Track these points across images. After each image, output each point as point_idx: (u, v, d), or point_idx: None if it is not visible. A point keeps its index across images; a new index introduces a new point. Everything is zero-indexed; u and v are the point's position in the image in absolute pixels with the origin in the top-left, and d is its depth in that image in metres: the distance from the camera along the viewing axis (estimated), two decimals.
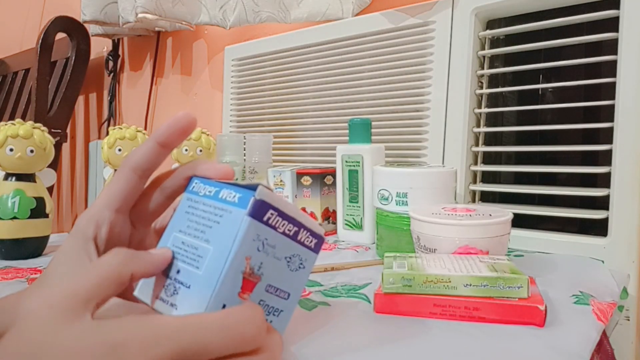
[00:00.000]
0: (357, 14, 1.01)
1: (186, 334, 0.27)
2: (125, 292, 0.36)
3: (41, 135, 0.71)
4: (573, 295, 0.50)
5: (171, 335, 0.27)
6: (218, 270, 0.30)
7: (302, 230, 0.34)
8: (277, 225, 0.33)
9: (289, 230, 0.33)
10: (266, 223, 0.32)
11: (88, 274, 0.29)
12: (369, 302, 0.49)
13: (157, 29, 1.47)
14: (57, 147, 1.41)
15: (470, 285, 0.43)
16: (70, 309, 0.27)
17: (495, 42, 0.86)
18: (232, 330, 0.28)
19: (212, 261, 0.31)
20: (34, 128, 0.71)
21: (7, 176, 0.70)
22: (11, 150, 0.68)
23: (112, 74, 1.70)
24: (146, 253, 0.32)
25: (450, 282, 0.43)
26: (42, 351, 0.25)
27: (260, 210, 0.31)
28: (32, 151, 0.69)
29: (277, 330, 0.34)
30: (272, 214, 0.32)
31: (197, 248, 0.32)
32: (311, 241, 0.35)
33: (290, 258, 0.34)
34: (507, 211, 0.55)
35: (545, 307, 0.41)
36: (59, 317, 0.26)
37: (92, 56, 1.64)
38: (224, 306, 0.30)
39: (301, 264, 0.35)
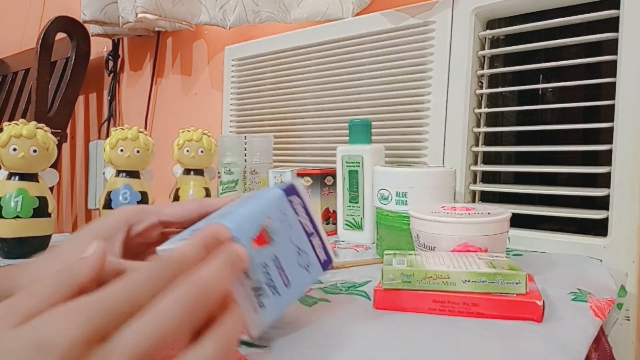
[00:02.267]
0: (357, 14, 1.02)
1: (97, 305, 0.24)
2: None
3: (44, 135, 0.71)
4: (571, 292, 0.51)
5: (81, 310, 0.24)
6: (248, 210, 0.36)
7: (316, 237, 0.39)
8: (298, 212, 0.38)
9: (306, 225, 0.39)
10: (290, 203, 0.38)
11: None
12: (369, 299, 0.49)
13: (157, 29, 1.47)
14: (57, 147, 1.41)
15: (469, 281, 0.43)
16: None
17: (495, 42, 0.86)
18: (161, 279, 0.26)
19: (246, 209, 0.36)
20: (37, 128, 0.71)
21: (10, 175, 0.70)
22: (14, 150, 0.68)
23: (112, 74, 1.70)
24: None
25: (449, 278, 0.43)
26: None
27: (289, 190, 0.38)
28: (35, 151, 0.69)
29: (268, 311, 0.35)
30: (297, 200, 0.38)
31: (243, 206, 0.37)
32: (321, 253, 0.40)
33: (300, 250, 0.38)
34: (506, 210, 0.55)
35: (543, 302, 0.42)
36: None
37: (92, 56, 1.64)
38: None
39: (308, 265, 0.38)
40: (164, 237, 0.44)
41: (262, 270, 0.34)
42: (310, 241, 0.39)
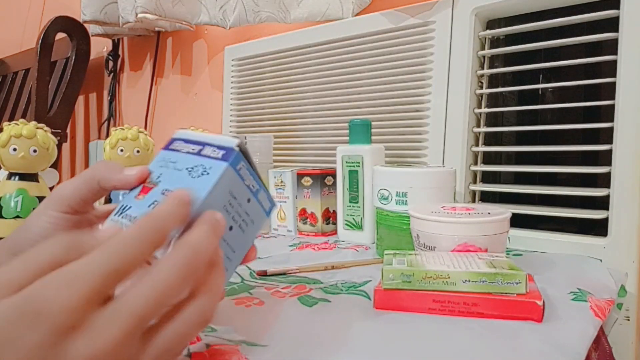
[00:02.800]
0: (357, 14, 1.01)
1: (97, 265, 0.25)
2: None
3: (44, 135, 0.71)
4: (571, 292, 0.51)
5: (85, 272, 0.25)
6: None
7: (261, 190, 0.40)
8: (245, 178, 0.38)
9: (252, 186, 0.39)
10: (170, 149, 0.40)
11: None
12: (369, 298, 0.49)
13: (157, 29, 1.47)
14: (57, 147, 1.41)
15: (469, 281, 0.43)
16: None
17: (495, 42, 0.86)
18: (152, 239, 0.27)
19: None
20: (37, 128, 0.71)
21: (10, 175, 0.70)
22: (14, 150, 0.68)
23: (112, 74, 1.70)
24: None
25: (449, 278, 0.43)
26: None
27: (235, 161, 0.37)
28: (35, 151, 0.69)
29: (228, 275, 0.36)
30: (243, 164, 0.38)
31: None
32: (266, 203, 0.41)
33: (192, 168, 0.38)
34: (506, 210, 0.55)
35: (543, 302, 0.42)
36: None
37: (92, 56, 1.64)
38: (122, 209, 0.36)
39: (205, 171, 0.37)
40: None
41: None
42: (258, 200, 0.39)
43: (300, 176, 0.85)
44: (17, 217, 0.68)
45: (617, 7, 0.69)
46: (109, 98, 1.71)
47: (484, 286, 0.43)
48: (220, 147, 0.38)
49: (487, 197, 0.85)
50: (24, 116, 1.63)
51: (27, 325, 0.23)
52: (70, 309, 0.23)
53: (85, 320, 0.24)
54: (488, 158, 0.86)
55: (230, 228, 0.37)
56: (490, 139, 0.85)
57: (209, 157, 0.38)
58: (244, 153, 0.39)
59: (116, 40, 1.67)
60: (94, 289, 0.24)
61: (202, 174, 0.37)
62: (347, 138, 0.80)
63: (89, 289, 0.24)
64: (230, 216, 0.37)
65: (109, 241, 0.26)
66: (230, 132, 1.25)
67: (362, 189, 0.77)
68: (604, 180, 0.71)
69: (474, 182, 0.85)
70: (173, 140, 0.41)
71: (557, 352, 0.37)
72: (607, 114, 0.71)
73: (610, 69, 0.71)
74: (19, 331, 0.23)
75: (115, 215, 0.36)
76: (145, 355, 0.26)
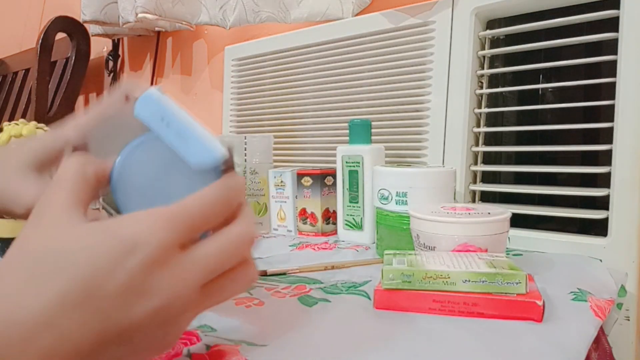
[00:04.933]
0: (357, 14, 1.02)
1: (190, 212, 0.29)
2: None
3: None
4: (571, 292, 0.51)
5: (175, 217, 0.28)
6: None
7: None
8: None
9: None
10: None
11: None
12: (369, 298, 0.49)
13: (157, 28, 1.47)
14: None
15: (469, 281, 0.43)
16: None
17: (495, 42, 0.86)
18: (227, 197, 0.31)
19: None
20: (37, 128, 0.71)
21: None
22: None
23: (112, 74, 1.70)
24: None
25: (449, 278, 0.43)
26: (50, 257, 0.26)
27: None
28: None
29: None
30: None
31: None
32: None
33: None
34: (506, 209, 0.55)
35: (543, 302, 0.42)
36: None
37: (92, 56, 1.64)
38: None
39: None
40: None
41: None
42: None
43: (300, 176, 0.85)
44: None
45: (617, 7, 0.69)
46: None
47: (484, 286, 0.43)
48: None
49: (487, 197, 0.85)
50: (24, 116, 1.63)
51: (125, 252, 0.26)
52: (163, 247, 0.27)
53: (172, 260, 0.27)
54: (488, 158, 0.86)
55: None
56: (490, 139, 0.85)
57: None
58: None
59: (116, 40, 1.67)
60: (184, 233, 0.28)
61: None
62: (347, 138, 0.80)
63: (180, 232, 0.28)
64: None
65: (200, 196, 0.29)
66: (231, 132, 1.25)
67: (362, 189, 0.77)
68: (604, 180, 0.71)
69: (474, 182, 0.85)
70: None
71: (557, 352, 0.37)
72: (607, 114, 0.71)
73: (610, 69, 0.71)
74: (117, 257, 0.26)
75: None
76: (201, 302, 0.30)
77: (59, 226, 0.27)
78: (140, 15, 1.13)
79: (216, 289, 0.30)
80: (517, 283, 0.42)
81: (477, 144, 0.85)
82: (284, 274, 0.59)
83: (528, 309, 0.42)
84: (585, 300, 0.48)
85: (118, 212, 0.33)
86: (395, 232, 0.66)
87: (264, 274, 0.58)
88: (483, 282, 0.43)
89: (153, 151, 0.33)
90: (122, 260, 0.26)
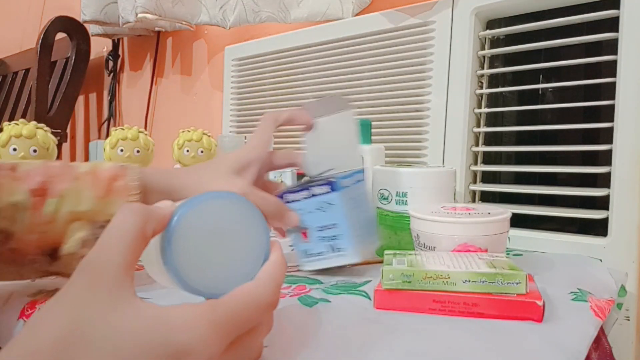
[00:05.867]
0: (357, 14, 1.02)
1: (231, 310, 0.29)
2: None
3: (44, 135, 0.71)
4: (571, 292, 0.51)
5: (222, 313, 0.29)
6: None
7: (311, 189, 0.53)
8: (294, 199, 0.55)
9: (304, 196, 0.54)
10: (287, 201, 0.55)
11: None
12: (369, 299, 0.49)
13: (157, 28, 1.47)
14: (58, 147, 1.41)
15: (469, 281, 0.43)
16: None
17: (495, 42, 0.86)
18: (272, 293, 0.32)
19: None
20: (37, 128, 0.71)
21: None
22: (14, 150, 0.68)
23: (112, 74, 1.70)
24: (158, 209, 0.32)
25: (449, 278, 0.43)
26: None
27: (282, 197, 0.55)
28: (35, 151, 0.69)
29: (345, 245, 0.54)
30: (287, 195, 0.55)
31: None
32: (323, 188, 0.53)
33: (319, 207, 0.53)
34: (506, 210, 0.55)
35: (543, 302, 0.42)
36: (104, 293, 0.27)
37: (92, 56, 1.64)
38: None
39: (329, 204, 0.53)
40: None
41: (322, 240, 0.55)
42: (314, 195, 0.54)
43: (300, 176, 0.85)
44: None
45: (617, 7, 0.69)
46: (109, 98, 1.72)
47: (484, 286, 0.43)
48: (323, 184, 0.53)
49: (487, 197, 0.85)
50: (24, 116, 1.63)
51: (176, 355, 0.26)
52: (213, 355, 0.27)
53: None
54: (488, 158, 0.86)
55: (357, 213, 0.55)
56: (490, 139, 0.86)
57: (321, 194, 0.53)
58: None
59: (116, 40, 1.67)
60: (231, 338, 0.29)
61: (329, 207, 0.53)
62: None
63: (229, 339, 0.29)
64: (359, 207, 0.56)
65: (251, 298, 0.31)
66: (231, 132, 1.25)
67: None
68: (604, 180, 0.71)
69: (474, 182, 0.85)
70: (282, 195, 0.55)
71: (558, 352, 0.37)
72: (607, 114, 0.71)
73: (610, 69, 0.71)
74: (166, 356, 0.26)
75: (303, 259, 0.57)
76: None
77: (113, 296, 0.26)
78: (140, 15, 1.13)
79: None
80: (517, 283, 0.42)
81: (477, 144, 0.85)
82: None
83: (528, 309, 0.41)
84: (586, 300, 0.48)
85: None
86: (395, 232, 0.66)
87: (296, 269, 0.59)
88: (483, 282, 0.42)
89: (220, 211, 0.33)
90: (214, 340, 0.27)
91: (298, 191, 0.54)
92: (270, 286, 0.32)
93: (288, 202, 0.55)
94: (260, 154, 0.54)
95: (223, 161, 0.53)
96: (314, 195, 0.53)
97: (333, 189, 0.52)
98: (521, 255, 0.69)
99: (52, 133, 0.75)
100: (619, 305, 0.65)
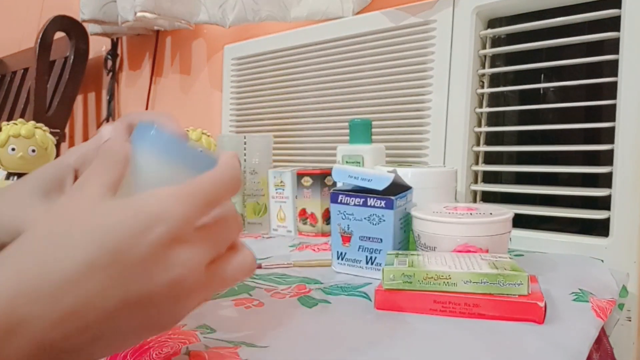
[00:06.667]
0: (358, 13, 1.01)
1: (199, 188, 0.31)
2: None
3: (43, 135, 0.71)
4: (572, 292, 0.50)
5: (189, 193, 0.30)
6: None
7: (369, 199, 0.55)
8: (347, 202, 0.57)
9: (357, 202, 0.56)
10: (339, 203, 0.57)
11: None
12: (370, 299, 0.48)
13: (156, 27, 1.47)
14: (56, 146, 1.41)
15: (470, 282, 0.42)
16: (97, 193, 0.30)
17: (496, 42, 0.86)
18: (234, 175, 0.33)
19: None
20: (35, 128, 0.70)
21: (9, 175, 0.70)
22: (13, 149, 0.68)
23: (111, 73, 1.70)
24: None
25: (450, 278, 0.43)
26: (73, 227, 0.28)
27: (334, 197, 0.58)
28: (33, 151, 0.69)
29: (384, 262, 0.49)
30: (342, 197, 0.57)
31: None
32: (380, 203, 0.55)
33: (369, 217, 0.55)
34: (508, 210, 0.55)
35: (545, 304, 0.41)
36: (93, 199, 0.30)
37: (90, 55, 1.64)
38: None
39: (381, 219, 0.55)
40: None
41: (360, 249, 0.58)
42: (369, 205, 0.56)
43: (300, 176, 0.84)
44: None
45: (619, 6, 0.69)
46: (107, 97, 1.71)
47: (485, 287, 0.42)
48: (380, 199, 0.54)
49: (488, 197, 0.84)
50: (22, 116, 1.63)
51: (149, 226, 0.28)
52: (183, 222, 0.29)
53: (188, 236, 0.29)
54: (489, 158, 0.86)
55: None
56: (491, 139, 0.85)
57: (374, 207, 0.55)
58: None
59: (115, 39, 1.67)
60: (200, 208, 0.30)
61: (380, 222, 0.55)
62: (348, 138, 0.80)
63: (198, 207, 0.30)
64: (402, 227, 0.57)
65: (210, 176, 0.32)
66: (230, 131, 1.24)
67: None
68: (605, 180, 0.71)
69: (475, 182, 0.84)
70: (336, 195, 0.58)
71: (559, 352, 0.37)
72: (609, 113, 0.71)
73: (612, 68, 0.70)
74: (142, 229, 0.28)
75: (336, 260, 0.59)
76: (208, 283, 0.31)
77: (93, 202, 0.29)
78: (139, 14, 1.12)
79: (219, 271, 0.32)
80: (518, 284, 0.42)
81: (478, 144, 0.85)
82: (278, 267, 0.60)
83: (529, 311, 0.41)
84: (587, 301, 0.48)
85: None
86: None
87: (259, 267, 0.58)
88: (484, 283, 0.42)
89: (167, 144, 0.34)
90: (146, 233, 0.28)
91: (351, 196, 0.56)
92: (228, 168, 0.33)
93: (336, 202, 0.57)
94: (69, 163, 0.41)
95: (27, 181, 0.40)
96: (367, 205, 0.55)
97: (388, 206, 0.54)
98: (522, 255, 0.69)
99: (51, 133, 0.75)
100: (621, 306, 0.64)
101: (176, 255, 0.29)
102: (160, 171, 0.33)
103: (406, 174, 0.66)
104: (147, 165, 0.33)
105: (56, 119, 1.54)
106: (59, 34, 1.56)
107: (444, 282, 0.43)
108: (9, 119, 1.67)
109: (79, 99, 1.83)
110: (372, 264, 0.57)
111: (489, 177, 0.86)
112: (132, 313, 0.28)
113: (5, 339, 0.25)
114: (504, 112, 0.85)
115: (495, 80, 0.86)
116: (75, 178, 0.40)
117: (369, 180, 0.56)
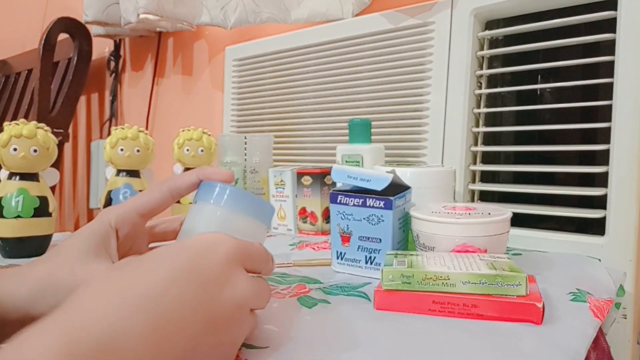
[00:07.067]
0: (357, 15, 1.02)
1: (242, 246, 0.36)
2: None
3: (44, 135, 0.71)
4: (570, 292, 0.51)
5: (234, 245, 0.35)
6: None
7: (368, 199, 0.56)
8: (347, 202, 0.57)
9: (357, 202, 0.56)
10: (339, 203, 0.58)
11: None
12: (369, 300, 0.49)
13: (158, 29, 1.48)
14: (59, 146, 1.42)
15: (469, 282, 0.43)
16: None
17: (494, 43, 0.86)
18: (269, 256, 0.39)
19: None
20: (37, 128, 0.71)
21: (11, 175, 0.71)
22: (15, 149, 0.69)
23: (113, 74, 1.71)
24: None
25: (449, 279, 0.44)
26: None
27: (333, 197, 0.58)
28: (35, 151, 0.70)
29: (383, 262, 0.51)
30: (341, 197, 0.58)
31: None
32: (379, 204, 0.55)
33: (368, 217, 0.56)
34: (507, 210, 0.55)
35: (543, 305, 0.42)
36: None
37: (94, 57, 1.64)
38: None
39: (380, 219, 0.55)
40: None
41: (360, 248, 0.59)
42: (368, 206, 0.56)
43: (300, 175, 0.85)
44: (18, 216, 0.68)
45: (615, 8, 0.70)
46: (110, 98, 1.72)
47: (483, 288, 0.43)
48: (379, 199, 0.55)
49: (486, 197, 0.85)
50: (26, 116, 1.64)
51: (212, 246, 0.34)
52: (237, 247, 0.35)
53: (242, 266, 0.35)
54: (487, 158, 0.87)
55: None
56: (489, 139, 0.86)
57: (373, 207, 0.55)
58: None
59: (118, 40, 1.68)
60: (245, 256, 0.36)
61: (379, 222, 0.56)
62: (347, 137, 0.81)
63: (243, 254, 0.35)
64: (401, 227, 0.58)
65: (258, 245, 0.38)
66: (231, 131, 1.25)
67: None
68: (601, 180, 0.72)
69: (473, 181, 0.85)
70: (335, 195, 0.58)
71: (557, 353, 0.37)
72: (605, 114, 0.71)
73: (608, 69, 0.71)
74: (207, 247, 0.34)
75: (336, 260, 0.60)
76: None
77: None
78: (142, 16, 1.13)
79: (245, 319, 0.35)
80: (517, 285, 0.42)
81: (476, 144, 0.85)
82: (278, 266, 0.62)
83: (528, 311, 0.42)
84: (584, 301, 0.49)
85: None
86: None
87: None
88: (483, 283, 0.43)
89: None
90: (213, 251, 0.33)
91: (350, 196, 0.57)
92: (267, 252, 0.39)
93: (336, 202, 0.58)
94: (110, 224, 0.43)
95: (74, 246, 0.41)
96: (366, 205, 0.56)
97: (386, 206, 0.55)
98: (520, 254, 0.70)
99: (54, 133, 0.76)
100: (617, 305, 0.65)
101: (240, 277, 0.34)
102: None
103: (405, 174, 0.67)
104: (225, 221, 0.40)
105: (60, 119, 1.55)
106: (63, 36, 1.57)
107: (442, 282, 0.44)
108: (13, 119, 1.68)
109: (82, 99, 1.84)
110: (371, 263, 0.57)
111: (486, 177, 0.87)
112: (207, 332, 0.31)
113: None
114: (501, 112, 0.86)
115: (492, 81, 0.87)
116: (117, 238, 0.43)
117: (367, 181, 0.57)
